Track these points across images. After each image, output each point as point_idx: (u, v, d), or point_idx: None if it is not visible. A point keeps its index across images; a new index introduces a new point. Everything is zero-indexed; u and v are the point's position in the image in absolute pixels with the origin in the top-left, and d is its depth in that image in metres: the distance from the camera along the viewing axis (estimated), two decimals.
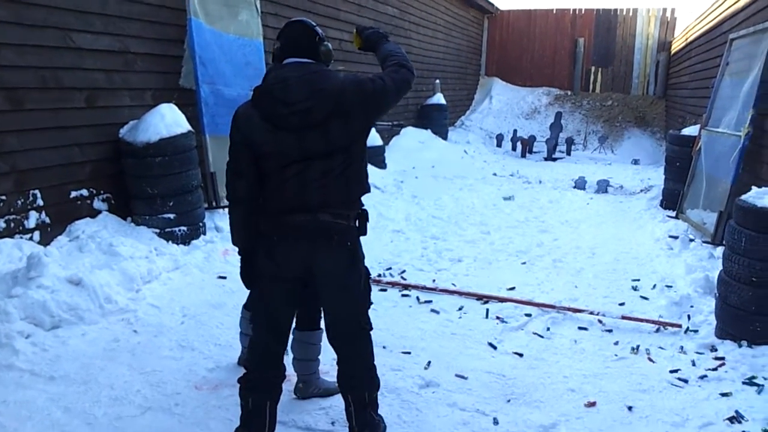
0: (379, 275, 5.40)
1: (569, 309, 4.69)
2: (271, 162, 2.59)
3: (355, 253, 2.73)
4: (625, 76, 17.57)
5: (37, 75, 4.63)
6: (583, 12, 17.71)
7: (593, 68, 17.76)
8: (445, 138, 13.08)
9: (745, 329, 4.08)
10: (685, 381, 3.77)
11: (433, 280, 5.35)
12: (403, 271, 5.59)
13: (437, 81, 13.28)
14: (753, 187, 4.32)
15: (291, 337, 3.27)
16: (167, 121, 5.28)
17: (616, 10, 17.45)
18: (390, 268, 5.65)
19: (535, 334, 4.35)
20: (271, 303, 2.74)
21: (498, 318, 4.58)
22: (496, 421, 3.24)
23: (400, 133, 11.84)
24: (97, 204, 5.24)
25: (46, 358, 3.65)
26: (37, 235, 4.70)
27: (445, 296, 5.00)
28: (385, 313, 4.57)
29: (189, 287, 4.81)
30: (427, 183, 9.70)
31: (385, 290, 5.07)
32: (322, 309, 2.88)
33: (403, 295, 4.97)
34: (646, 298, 5.16)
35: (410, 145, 11.55)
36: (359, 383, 2.84)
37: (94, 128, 5.16)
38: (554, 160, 14.30)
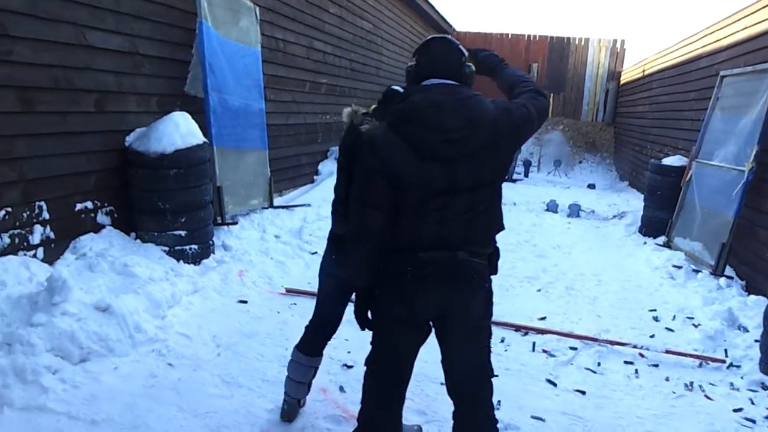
0: None
1: (612, 342, 4.58)
2: (411, 193, 2.30)
3: (492, 295, 2.48)
4: (575, 102, 18.04)
5: (49, 74, 4.15)
6: (537, 38, 18.10)
7: (546, 93, 18.09)
8: None
9: None
10: (753, 421, 3.70)
11: None
12: None
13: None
14: None
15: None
16: (182, 130, 4.87)
17: (569, 38, 17.93)
18: None
19: (587, 369, 4.21)
20: (398, 348, 2.45)
21: (545, 351, 4.41)
22: None
23: None
24: (101, 218, 4.75)
25: (80, 397, 3.21)
26: (41, 251, 4.19)
27: None
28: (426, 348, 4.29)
29: (213, 313, 4.41)
30: None
31: None
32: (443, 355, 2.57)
33: None
34: (671, 330, 5.12)
35: None
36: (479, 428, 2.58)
37: (101, 135, 4.69)
38: (514, 181, 14.42)
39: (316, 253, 6.16)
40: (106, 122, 4.71)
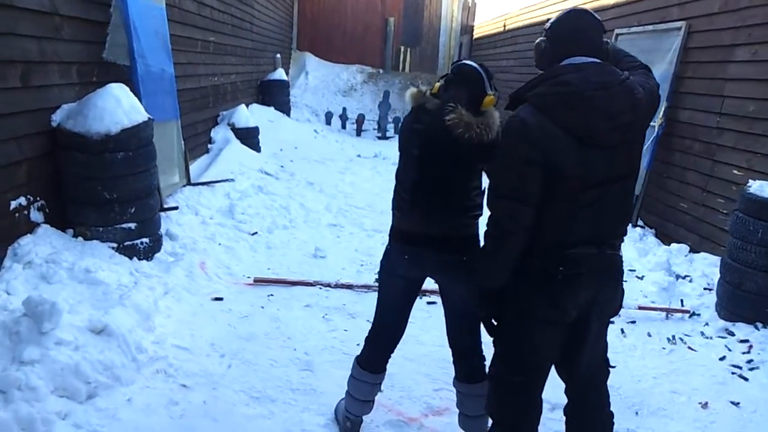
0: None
1: None
2: (565, 186, 2.10)
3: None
4: (432, 57, 18.32)
5: None
6: None
7: (402, 48, 18.20)
8: (288, 116, 12.40)
9: (760, 312, 4.45)
10: (739, 368, 4.00)
11: None
12: None
13: (278, 55, 12.50)
14: (751, 181, 4.69)
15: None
16: (125, 106, 4.16)
17: None
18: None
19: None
20: (541, 350, 2.28)
21: None
22: None
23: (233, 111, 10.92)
24: (34, 215, 3.95)
25: None
26: None
27: None
28: (430, 325, 4.13)
29: (196, 317, 3.90)
30: (308, 167, 9.11)
31: None
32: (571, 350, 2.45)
33: (429, 303, 4.56)
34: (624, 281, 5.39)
35: (263, 125, 10.71)
36: (605, 424, 2.51)
37: (30, 115, 3.87)
38: (387, 138, 14.40)
39: (256, 233, 5.70)
40: (33, 99, 3.88)
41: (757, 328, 4.46)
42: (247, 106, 10.45)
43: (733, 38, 5.66)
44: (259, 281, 4.62)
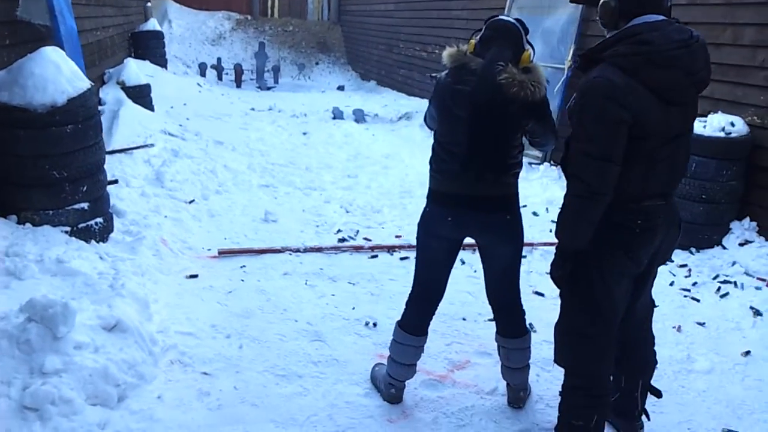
0: (344, 239, 4.86)
1: (547, 244, 4.94)
2: (648, 143, 2.18)
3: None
4: (301, 1, 17.74)
5: None
6: None
7: None
8: (166, 70, 11.58)
9: (693, 238, 4.92)
10: (688, 290, 4.43)
11: (398, 236, 5.00)
12: (357, 232, 5.08)
13: (149, 4, 11.53)
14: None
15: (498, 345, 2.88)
16: (65, 73, 3.68)
17: None
18: (340, 230, 5.07)
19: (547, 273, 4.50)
20: (619, 301, 2.38)
21: None
22: None
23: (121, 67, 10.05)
24: None
25: None
26: None
27: None
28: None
29: (181, 299, 3.64)
30: (208, 125, 8.60)
31: (376, 256, 4.59)
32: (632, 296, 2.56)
33: (402, 258, 4.57)
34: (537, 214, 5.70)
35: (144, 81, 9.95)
36: (653, 359, 2.71)
37: None
38: (269, 89, 13.92)
39: (193, 201, 5.36)
40: None
41: (692, 252, 4.93)
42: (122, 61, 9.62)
43: None
44: (224, 253, 4.38)
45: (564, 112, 7.10)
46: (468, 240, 2.78)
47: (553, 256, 2.41)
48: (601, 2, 2.29)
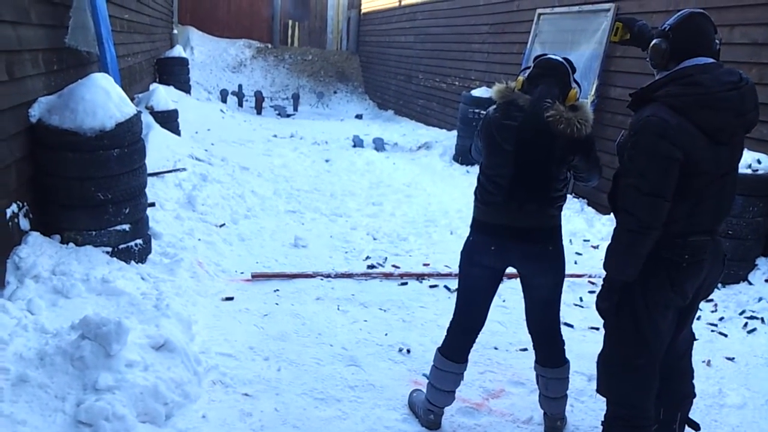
0: (373, 266, 4.92)
1: (575, 276, 4.98)
2: (697, 180, 2.26)
3: None
4: (320, 31, 18.09)
5: None
6: None
7: (290, 22, 17.82)
8: (189, 95, 11.79)
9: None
10: (715, 325, 4.45)
11: (426, 264, 5.06)
12: (385, 259, 5.14)
13: (175, 31, 11.80)
14: None
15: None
16: (114, 98, 3.81)
17: None
18: (369, 257, 5.14)
19: (576, 305, 4.53)
20: (664, 334, 2.43)
21: None
22: None
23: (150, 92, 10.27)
24: (23, 222, 3.56)
25: None
26: None
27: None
28: (442, 308, 4.20)
29: (219, 321, 3.71)
30: (232, 150, 8.76)
31: (406, 283, 4.64)
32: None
33: (431, 287, 4.62)
34: (580, 254, 5.74)
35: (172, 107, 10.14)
36: (692, 392, 2.74)
37: (14, 111, 3.45)
38: (288, 116, 14.12)
39: (224, 225, 5.45)
40: (16, 92, 3.46)
41: (718, 288, 4.94)
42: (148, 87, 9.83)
43: (664, 21, 6.11)
44: (257, 276, 4.45)
45: None
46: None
47: (599, 288, 2.47)
48: (652, 44, 2.38)
